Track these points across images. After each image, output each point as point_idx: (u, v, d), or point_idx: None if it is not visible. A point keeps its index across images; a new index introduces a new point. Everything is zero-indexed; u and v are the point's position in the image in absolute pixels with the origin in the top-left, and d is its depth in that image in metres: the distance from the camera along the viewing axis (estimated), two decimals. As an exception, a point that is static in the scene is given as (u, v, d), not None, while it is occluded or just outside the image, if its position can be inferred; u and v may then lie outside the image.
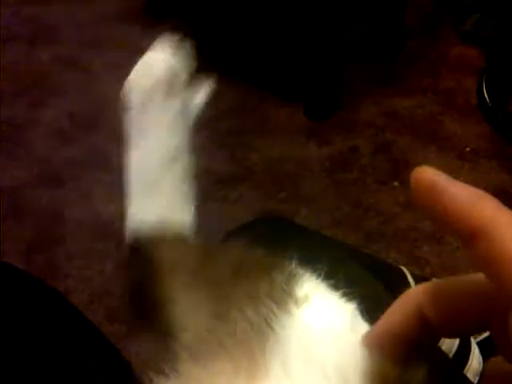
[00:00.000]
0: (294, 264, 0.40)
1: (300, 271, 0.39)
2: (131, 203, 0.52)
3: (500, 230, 0.25)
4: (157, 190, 0.51)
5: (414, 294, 0.30)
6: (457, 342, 0.66)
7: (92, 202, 1.63)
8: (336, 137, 1.82)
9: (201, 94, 0.56)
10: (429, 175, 0.28)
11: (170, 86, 0.52)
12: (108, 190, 1.62)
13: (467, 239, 0.26)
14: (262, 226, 0.70)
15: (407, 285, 0.72)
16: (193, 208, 0.53)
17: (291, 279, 0.38)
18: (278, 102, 1.92)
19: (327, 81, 1.87)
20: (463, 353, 0.66)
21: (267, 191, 1.67)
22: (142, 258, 0.48)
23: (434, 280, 0.30)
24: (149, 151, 0.51)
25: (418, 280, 0.74)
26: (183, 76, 0.53)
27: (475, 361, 0.65)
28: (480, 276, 0.28)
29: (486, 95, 1.87)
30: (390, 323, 0.30)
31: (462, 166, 1.68)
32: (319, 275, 0.39)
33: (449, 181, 0.27)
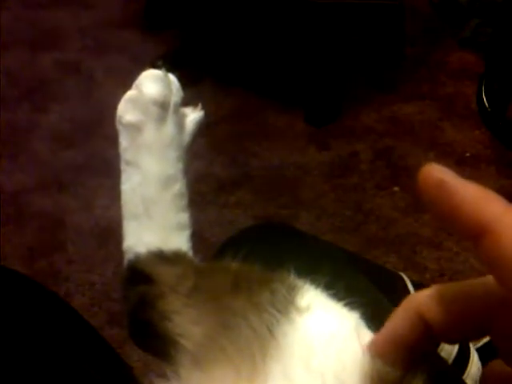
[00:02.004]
0: (292, 276, 0.40)
1: (299, 283, 0.40)
2: (128, 225, 0.52)
3: (507, 228, 0.25)
4: (153, 214, 0.51)
5: (415, 300, 0.30)
6: (456, 347, 0.66)
7: (93, 207, 1.62)
8: (336, 142, 1.83)
9: (191, 120, 0.57)
10: (437, 173, 0.28)
11: (160, 111, 0.52)
12: (109, 194, 1.62)
13: (474, 238, 0.26)
14: (262, 232, 0.70)
15: (406, 291, 0.72)
16: (190, 228, 0.53)
17: (292, 290, 0.38)
18: (278, 107, 1.92)
19: (328, 87, 1.87)
20: (462, 359, 0.65)
21: (267, 196, 1.67)
22: (140, 281, 0.49)
23: (435, 285, 0.30)
24: (144, 176, 0.52)
25: (417, 286, 0.74)
26: (172, 102, 0.53)
27: (474, 367, 0.65)
28: (481, 281, 0.29)
29: (485, 101, 1.87)
30: (392, 330, 0.31)
31: (461, 171, 1.65)
32: (319, 286, 0.40)
33: (456, 179, 0.27)
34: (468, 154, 1.77)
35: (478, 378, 0.65)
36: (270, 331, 0.35)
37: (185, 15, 2.05)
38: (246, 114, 1.89)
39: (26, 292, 0.63)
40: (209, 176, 1.65)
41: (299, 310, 0.37)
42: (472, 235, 0.26)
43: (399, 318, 0.30)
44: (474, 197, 0.26)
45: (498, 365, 0.30)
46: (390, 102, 1.95)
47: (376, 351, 0.31)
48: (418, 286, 0.73)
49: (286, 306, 0.37)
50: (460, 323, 0.29)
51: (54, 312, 0.65)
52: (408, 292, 0.71)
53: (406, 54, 2.10)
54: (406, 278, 0.75)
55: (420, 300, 0.30)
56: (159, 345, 0.44)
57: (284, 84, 1.96)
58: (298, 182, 1.72)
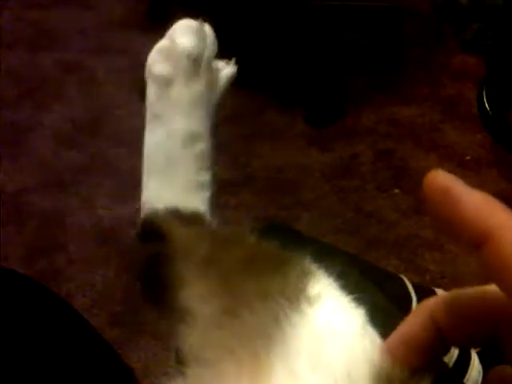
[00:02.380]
0: (308, 261, 0.39)
1: (313, 269, 0.39)
2: (148, 180, 0.51)
3: (508, 237, 0.25)
4: (174, 170, 0.50)
5: (429, 305, 0.30)
6: (456, 351, 0.66)
7: (94, 207, 1.62)
8: (337, 144, 1.83)
9: (224, 75, 0.55)
10: (442, 179, 0.28)
11: (192, 66, 0.50)
12: (110, 195, 1.63)
13: (476, 245, 0.26)
14: (263, 234, 0.69)
15: (407, 293, 0.72)
16: (211, 190, 0.52)
17: (305, 276, 0.38)
18: (280, 108, 1.92)
19: (330, 88, 1.88)
20: (463, 362, 0.64)
21: (268, 197, 1.67)
22: (154, 237, 0.47)
23: (449, 291, 0.30)
24: (168, 131, 0.50)
25: (418, 289, 0.73)
26: (205, 56, 0.51)
27: (475, 371, 0.65)
28: (492, 287, 0.29)
29: (486, 104, 1.86)
30: (405, 333, 0.31)
31: (462, 174, 1.67)
32: (331, 275, 0.39)
33: (461, 186, 0.27)
34: (469, 157, 1.77)
35: (478, 382, 0.65)
36: (277, 322, 0.34)
37: (187, 16, 2.04)
38: (248, 115, 1.89)
39: (27, 292, 0.63)
40: (210, 177, 1.64)
41: (309, 300, 0.36)
42: (474, 243, 0.26)
43: (413, 321, 0.31)
44: (477, 204, 0.27)
45: (503, 370, 0.30)
46: (391, 104, 1.95)
47: (388, 352, 0.31)
48: (419, 289, 0.73)
49: (296, 294, 0.36)
50: (471, 328, 0.29)
51: (55, 312, 0.65)
52: (408, 294, 0.71)
53: (405, 56, 2.09)
54: (406, 280, 0.75)
55: (434, 305, 0.30)
56: (166, 307, 0.43)
57: (285, 85, 1.96)
58: (299, 183, 1.72)
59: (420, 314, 0.30)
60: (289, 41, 1.91)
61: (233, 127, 1.82)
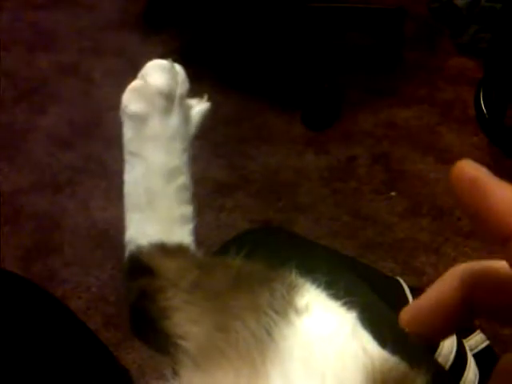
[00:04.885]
0: (294, 274, 0.40)
1: (300, 281, 0.39)
2: (130, 217, 0.52)
3: None
4: (156, 206, 0.51)
5: (460, 272, 0.30)
6: (453, 353, 0.65)
7: (90, 209, 1.62)
8: (334, 146, 1.82)
9: (197, 111, 0.56)
10: (471, 169, 0.27)
11: (166, 102, 0.51)
12: (106, 197, 1.63)
13: (503, 239, 0.26)
14: (260, 236, 0.69)
15: (404, 296, 0.72)
16: (193, 222, 0.52)
17: (291, 289, 0.38)
18: (276, 110, 1.92)
19: (327, 91, 1.87)
20: (459, 365, 0.65)
21: (264, 200, 1.67)
22: (141, 273, 0.48)
23: (483, 261, 0.30)
24: (147, 168, 0.51)
25: (414, 291, 0.73)
26: (178, 93, 0.52)
27: (471, 373, 0.65)
28: None
29: (483, 107, 1.86)
30: (433, 298, 0.30)
31: None
32: (319, 285, 0.39)
33: (490, 177, 0.27)
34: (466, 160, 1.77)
35: (475, 384, 0.65)
36: (269, 334, 0.35)
37: (184, 18, 2.05)
38: (244, 117, 1.89)
39: (23, 294, 0.63)
40: (206, 179, 1.65)
41: (298, 311, 0.37)
42: (500, 236, 0.26)
43: (441, 288, 0.30)
44: (505, 197, 0.26)
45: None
46: (388, 107, 1.95)
47: (412, 317, 0.31)
48: (416, 291, 0.73)
49: (284, 307, 0.37)
50: (502, 302, 0.28)
51: (52, 313, 0.65)
52: (405, 297, 0.71)
53: (402, 59, 2.10)
54: (403, 283, 0.74)
55: (469, 273, 0.29)
56: (159, 340, 0.44)
57: (282, 87, 1.96)
58: (296, 186, 1.71)
59: (450, 280, 0.30)
60: (286, 43, 1.92)
61: (229, 129, 1.82)
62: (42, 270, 1.48)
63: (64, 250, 1.53)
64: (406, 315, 0.31)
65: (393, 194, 1.69)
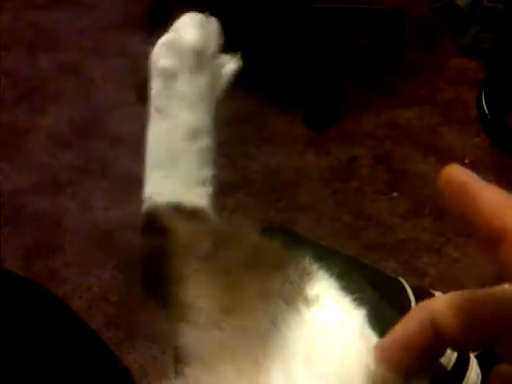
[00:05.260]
0: (308, 260, 0.39)
1: (314, 268, 0.39)
2: (150, 173, 0.51)
3: None
4: (177, 164, 0.50)
5: (429, 306, 0.30)
6: (455, 354, 0.65)
7: (90, 209, 1.62)
8: (335, 146, 1.82)
9: (228, 70, 0.55)
10: (459, 174, 0.28)
11: (196, 60, 0.50)
12: (106, 196, 1.63)
13: (493, 242, 0.26)
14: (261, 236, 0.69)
15: (406, 296, 0.72)
16: (212, 187, 0.51)
17: (304, 276, 0.38)
18: (278, 110, 1.92)
19: (327, 91, 1.87)
20: (461, 366, 0.65)
21: (265, 200, 1.67)
22: (156, 232, 0.47)
23: (449, 293, 0.30)
24: (172, 126, 0.50)
25: (416, 292, 0.73)
26: (210, 50, 0.51)
27: (473, 374, 0.65)
28: (494, 291, 0.29)
29: (485, 107, 1.87)
30: (403, 333, 0.30)
31: None
32: (332, 275, 0.39)
33: (479, 182, 0.28)
34: (467, 161, 1.77)
35: (477, 385, 0.65)
36: (275, 324, 0.35)
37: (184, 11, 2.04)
38: (246, 116, 1.89)
39: (25, 293, 0.63)
40: (207, 179, 1.64)
41: (307, 301, 0.36)
42: (491, 239, 0.26)
43: (411, 322, 0.30)
44: (494, 201, 0.27)
45: (503, 368, 0.29)
46: (389, 107, 1.95)
47: (383, 355, 0.31)
48: (418, 292, 0.72)
49: (294, 295, 0.36)
50: (472, 332, 0.28)
51: (53, 313, 0.65)
52: (407, 297, 0.71)
53: (405, 59, 2.10)
54: (405, 283, 0.75)
55: (433, 307, 0.29)
56: (167, 301, 0.43)
57: (284, 87, 1.95)
58: (297, 186, 1.71)
59: (419, 315, 0.30)
60: (288, 43, 1.91)
61: (231, 129, 1.82)
62: (43, 270, 1.47)
63: (65, 250, 1.52)
64: (378, 350, 0.31)
65: (394, 194, 1.69)
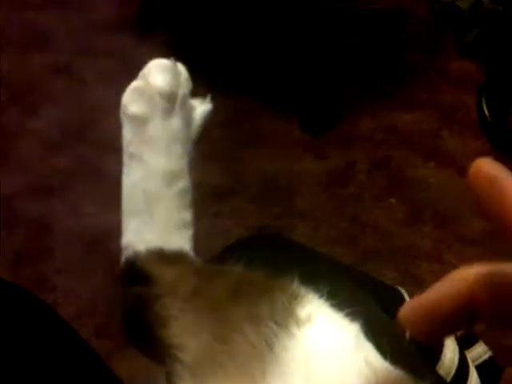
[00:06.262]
0: (296, 283, 0.40)
1: (302, 291, 0.39)
2: (128, 221, 0.51)
3: None
4: (154, 210, 0.50)
5: (467, 275, 0.29)
6: (455, 365, 0.64)
7: (81, 214, 1.61)
8: (333, 151, 1.81)
9: (199, 112, 0.55)
10: (489, 168, 0.28)
11: (167, 104, 0.50)
12: (98, 202, 1.61)
13: None
14: (259, 243, 0.68)
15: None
16: (192, 228, 0.51)
17: (293, 299, 0.38)
18: (274, 114, 1.91)
19: (325, 95, 1.87)
20: (461, 377, 0.63)
21: (262, 206, 1.66)
22: (137, 280, 0.47)
23: (488, 265, 0.29)
24: (147, 171, 0.50)
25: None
26: (180, 94, 0.51)
27: (473, 384, 0.64)
28: None
29: (485, 111, 1.87)
30: (436, 298, 0.29)
31: (461, 182, 1.67)
32: (322, 295, 0.39)
33: (509, 177, 0.27)
34: (468, 164, 1.76)
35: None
36: (270, 346, 0.35)
37: (180, 20, 2.05)
38: (242, 120, 1.90)
39: (13, 300, 0.62)
40: (202, 184, 1.63)
41: (299, 322, 0.36)
42: None
43: (445, 289, 0.29)
44: None
45: None
46: (388, 110, 1.94)
47: (411, 315, 0.30)
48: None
49: (285, 318, 0.36)
50: (507, 310, 0.28)
51: (43, 321, 0.64)
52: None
53: (405, 61, 2.10)
54: (404, 292, 0.74)
55: (473, 276, 0.28)
56: (155, 348, 0.43)
57: (281, 91, 1.95)
58: (294, 191, 1.71)
59: (456, 282, 0.29)
60: (286, 44, 1.92)
61: (227, 133, 1.82)
62: (32, 276, 1.46)
63: (55, 256, 1.51)
64: (404, 311, 0.30)
65: (393, 200, 1.68)
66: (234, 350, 0.36)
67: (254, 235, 0.79)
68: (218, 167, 1.73)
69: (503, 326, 0.29)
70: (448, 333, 0.31)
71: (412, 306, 0.30)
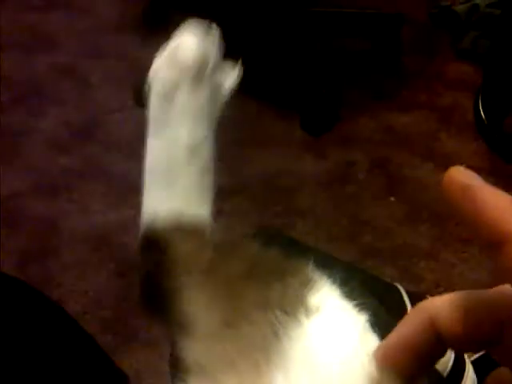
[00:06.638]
0: (309, 268, 0.39)
1: (315, 276, 0.39)
2: (149, 188, 0.50)
3: None
4: (176, 180, 0.49)
5: (428, 307, 0.29)
6: (451, 361, 0.65)
7: (87, 213, 1.62)
8: (333, 151, 1.82)
9: (229, 80, 0.54)
10: (462, 176, 0.28)
11: (197, 73, 0.49)
12: (104, 200, 1.62)
13: (494, 245, 0.26)
14: (259, 242, 0.69)
15: (402, 302, 0.72)
16: (211, 202, 0.51)
17: (304, 285, 0.38)
18: (275, 114, 1.92)
19: (325, 96, 1.87)
20: (457, 372, 0.65)
21: (263, 204, 1.67)
22: (155, 248, 0.47)
23: (449, 294, 0.29)
24: (172, 140, 0.49)
25: (413, 297, 0.73)
26: (211, 63, 0.50)
27: (469, 380, 0.65)
28: (495, 291, 0.28)
29: (482, 113, 1.86)
30: (403, 335, 0.30)
31: None
32: (335, 281, 0.39)
33: (481, 185, 0.27)
34: (464, 166, 1.76)
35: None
36: (276, 334, 0.35)
37: (184, 22, 2.04)
38: (243, 120, 1.88)
39: (21, 297, 0.63)
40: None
41: (308, 312, 0.36)
42: (492, 242, 0.26)
43: (410, 324, 0.30)
44: (497, 204, 0.27)
45: (500, 373, 0.30)
46: (387, 112, 1.95)
47: (383, 356, 0.31)
48: (414, 297, 0.72)
49: (294, 305, 0.36)
50: (472, 334, 0.28)
51: (50, 317, 0.65)
52: (403, 303, 0.71)
53: (403, 64, 2.10)
54: (401, 289, 0.74)
55: (434, 307, 0.29)
56: (167, 318, 0.43)
57: (281, 91, 1.96)
58: (294, 190, 1.71)
59: (419, 315, 0.29)
60: (286, 47, 1.92)
61: (228, 133, 1.79)
62: (39, 274, 1.47)
63: (61, 254, 1.52)
64: (377, 353, 0.31)
65: (392, 199, 1.69)
66: (241, 336, 0.35)
67: (256, 233, 0.78)
68: (219, 167, 1.73)
69: (471, 349, 0.30)
70: (425, 365, 0.30)
71: (384, 345, 0.31)
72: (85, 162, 1.75)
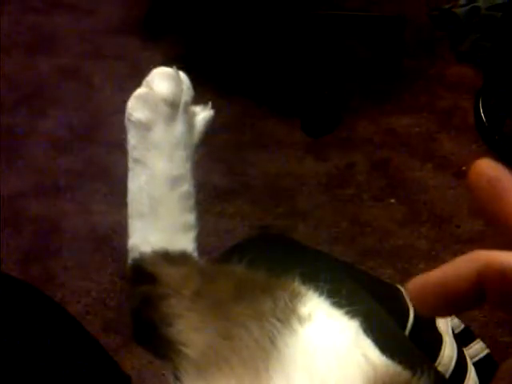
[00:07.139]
0: (297, 282, 0.40)
1: (303, 289, 0.40)
2: (133, 224, 0.52)
3: None
4: (160, 212, 0.51)
5: (480, 257, 0.27)
6: (453, 362, 0.66)
7: (89, 213, 1.62)
8: (333, 153, 1.83)
9: (201, 118, 0.56)
10: (490, 169, 0.27)
11: (170, 110, 0.51)
12: (105, 200, 1.62)
13: None
14: (261, 244, 0.69)
15: (404, 303, 0.72)
16: (196, 229, 0.53)
17: (294, 297, 0.39)
18: (276, 116, 1.92)
19: (326, 98, 1.88)
20: (459, 373, 0.65)
21: (264, 206, 1.67)
22: (145, 278, 0.48)
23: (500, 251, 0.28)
24: (151, 175, 0.51)
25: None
26: (183, 101, 0.53)
27: (471, 381, 0.65)
28: None
29: (482, 115, 1.87)
30: (445, 277, 0.28)
31: (458, 184, 1.69)
32: (322, 293, 0.40)
33: (509, 178, 0.27)
34: (465, 168, 1.77)
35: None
36: (272, 342, 0.35)
37: (185, 24, 2.04)
38: (245, 123, 1.89)
39: (23, 297, 0.63)
40: (206, 184, 1.64)
41: (300, 320, 0.37)
42: None
43: (458, 269, 0.28)
44: None
45: None
46: (387, 114, 1.95)
47: (419, 290, 0.29)
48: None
49: (287, 315, 0.37)
50: None
51: (52, 318, 0.65)
52: (405, 304, 0.71)
53: (404, 66, 2.10)
54: (402, 290, 0.75)
55: (486, 259, 0.27)
56: (161, 346, 0.44)
57: (283, 94, 1.96)
58: (295, 192, 1.71)
59: (468, 265, 0.28)
60: (287, 49, 1.92)
61: (229, 135, 1.82)
62: (41, 274, 1.47)
63: (63, 254, 1.52)
64: (413, 285, 0.29)
65: (392, 201, 1.69)
66: (238, 345, 0.36)
67: (258, 236, 0.78)
68: (221, 168, 1.73)
69: (508, 311, 0.28)
70: (453, 311, 0.29)
71: (422, 280, 0.29)
72: (86, 163, 1.75)
